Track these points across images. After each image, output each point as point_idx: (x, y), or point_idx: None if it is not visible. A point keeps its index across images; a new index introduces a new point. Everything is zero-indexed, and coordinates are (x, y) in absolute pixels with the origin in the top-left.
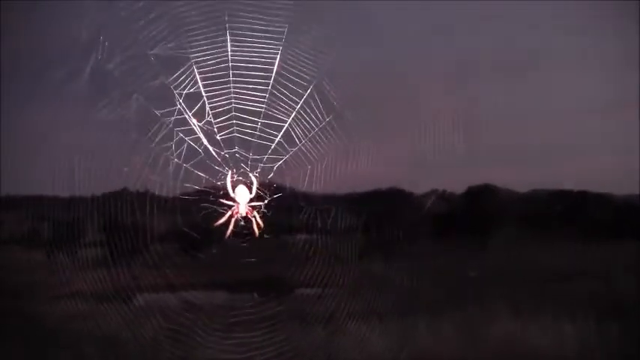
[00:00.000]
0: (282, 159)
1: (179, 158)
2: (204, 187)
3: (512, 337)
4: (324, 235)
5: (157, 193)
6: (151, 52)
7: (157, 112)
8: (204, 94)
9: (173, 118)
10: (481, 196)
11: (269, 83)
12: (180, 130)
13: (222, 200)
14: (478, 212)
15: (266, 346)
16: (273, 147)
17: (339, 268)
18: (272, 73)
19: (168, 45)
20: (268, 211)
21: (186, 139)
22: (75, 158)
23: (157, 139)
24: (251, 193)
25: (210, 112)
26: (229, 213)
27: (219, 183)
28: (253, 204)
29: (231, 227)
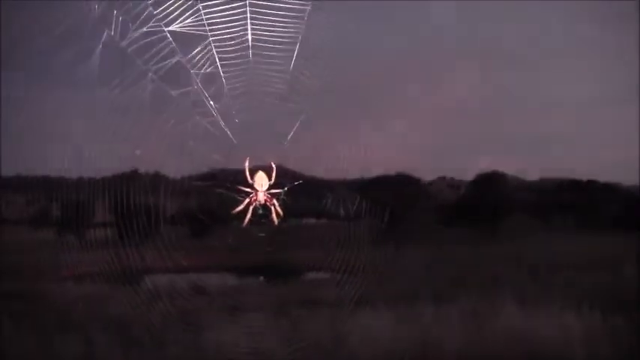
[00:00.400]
0: (302, 143)
1: (195, 141)
2: (221, 172)
3: (517, 325)
4: (342, 222)
5: (170, 176)
6: (167, 28)
7: (173, 93)
8: (222, 74)
9: (190, 100)
10: (489, 184)
11: (291, 63)
12: (196, 112)
13: (239, 187)
14: (486, 199)
15: (272, 330)
16: (293, 131)
17: (347, 253)
18: (294, 52)
19: (186, 21)
20: (288, 199)
21: (203, 121)
22: (85, 139)
23: (172, 121)
24: (270, 179)
25: (228, 94)
26: (247, 200)
27: (236, 168)
28: (272, 191)
29: (248, 215)
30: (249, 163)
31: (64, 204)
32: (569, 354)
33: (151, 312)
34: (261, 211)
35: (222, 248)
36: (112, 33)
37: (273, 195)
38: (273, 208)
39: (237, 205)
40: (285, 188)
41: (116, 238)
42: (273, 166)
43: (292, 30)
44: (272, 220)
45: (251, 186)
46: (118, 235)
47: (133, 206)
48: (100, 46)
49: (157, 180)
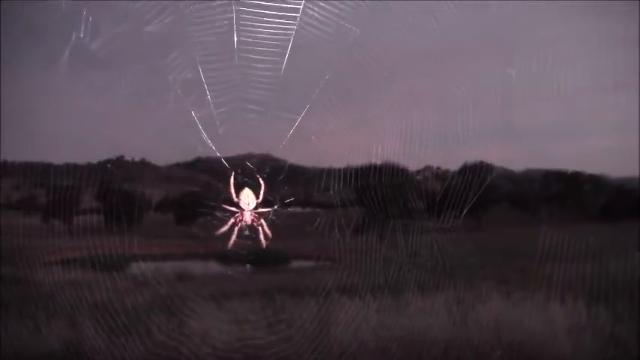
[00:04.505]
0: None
1: (173, 155)
2: (202, 189)
3: (502, 314)
4: (328, 211)
5: (156, 163)
6: (144, 29)
7: (149, 100)
8: (204, 79)
9: (167, 107)
10: (476, 174)
11: (281, 68)
12: (175, 122)
13: (224, 206)
14: (472, 190)
15: (257, 318)
16: (284, 143)
17: (333, 242)
18: (285, 56)
19: (164, 21)
20: (277, 219)
21: (183, 132)
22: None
23: (147, 132)
24: (258, 198)
25: (211, 101)
26: (232, 221)
27: (220, 185)
28: (260, 210)
29: (234, 237)
30: (234, 178)
31: (50, 190)
32: (554, 344)
33: (136, 299)
34: (247, 233)
35: (208, 236)
36: (82, 35)
37: (260, 215)
38: (260, 229)
39: (222, 226)
40: (275, 207)
41: (102, 225)
42: (262, 182)
43: (284, 29)
44: (260, 243)
45: (237, 205)
46: (104, 222)
47: (118, 193)
48: (69, 48)
49: (142, 167)
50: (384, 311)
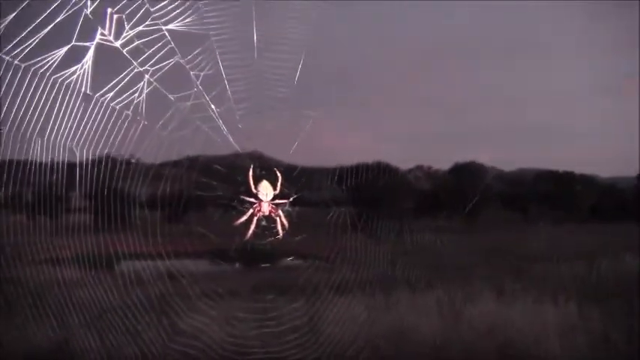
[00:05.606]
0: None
1: (195, 149)
2: (223, 182)
3: (493, 314)
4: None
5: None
6: (166, 27)
7: (171, 97)
8: (224, 76)
9: (189, 104)
10: (467, 174)
11: (298, 67)
12: (196, 117)
13: (242, 197)
14: (463, 190)
15: (248, 316)
16: (300, 139)
17: (323, 240)
18: (302, 53)
19: (186, 20)
20: (294, 209)
21: (203, 127)
22: (74, 141)
23: (170, 127)
24: (275, 189)
25: (231, 97)
26: (251, 211)
27: (239, 178)
28: (277, 202)
29: (252, 227)
30: (252, 171)
31: (39, 187)
32: (545, 344)
33: (125, 298)
34: (265, 223)
35: (198, 234)
36: (106, 31)
37: (278, 205)
38: (278, 219)
39: (240, 217)
40: (291, 199)
41: (91, 223)
42: (279, 174)
43: (302, 27)
44: (277, 232)
45: (255, 196)
46: (93, 220)
47: (107, 190)
48: (93, 45)
49: (133, 164)
50: (374, 309)
